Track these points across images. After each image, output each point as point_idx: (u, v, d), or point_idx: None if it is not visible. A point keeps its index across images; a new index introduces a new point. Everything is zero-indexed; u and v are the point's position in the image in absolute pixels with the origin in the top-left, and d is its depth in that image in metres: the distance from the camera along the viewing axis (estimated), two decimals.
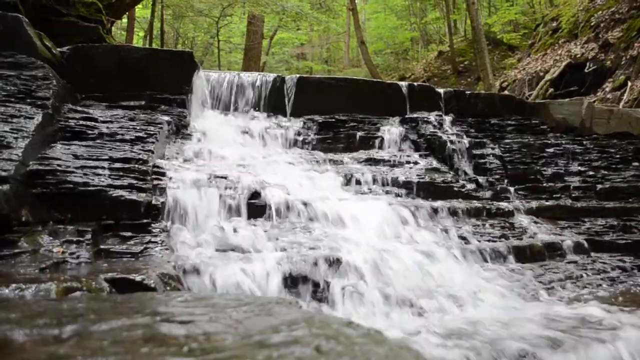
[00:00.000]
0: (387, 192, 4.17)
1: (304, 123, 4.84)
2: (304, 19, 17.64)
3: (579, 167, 5.06)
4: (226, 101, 4.82)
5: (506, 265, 3.70)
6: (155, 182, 3.17)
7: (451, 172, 4.69)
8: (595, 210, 4.62)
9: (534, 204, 4.56)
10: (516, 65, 15.17)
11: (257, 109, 4.89)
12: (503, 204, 4.44)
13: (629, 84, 9.63)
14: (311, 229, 3.34)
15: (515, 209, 4.42)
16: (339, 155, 4.62)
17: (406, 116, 5.22)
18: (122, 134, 3.42)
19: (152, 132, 3.57)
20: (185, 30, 18.99)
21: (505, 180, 4.79)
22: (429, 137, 4.96)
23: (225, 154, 4.04)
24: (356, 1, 21.63)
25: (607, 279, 3.82)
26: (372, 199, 3.91)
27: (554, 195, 4.73)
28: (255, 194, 3.43)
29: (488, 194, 4.58)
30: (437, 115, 5.24)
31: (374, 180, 4.26)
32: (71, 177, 2.82)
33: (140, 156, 3.21)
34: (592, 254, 4.15)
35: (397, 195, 4.19)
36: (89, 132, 3.34)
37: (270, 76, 5.05)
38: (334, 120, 4.92)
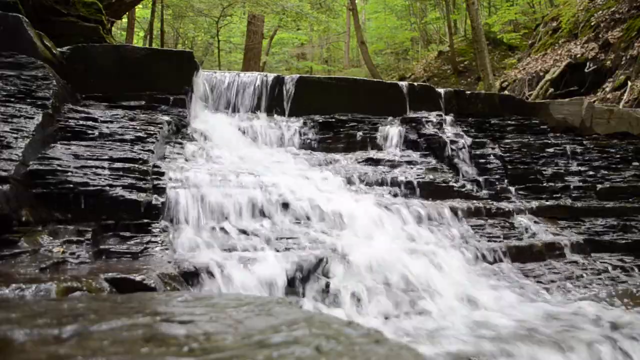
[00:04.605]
0: (387, 192, 4.17)
1: (304, 123, 4.84)
2: (304, 19, 17.65)
3: (579, 167, 5.06)
4: (226, 101, 4.82)
5: (506, 265, 3.70)
6: (156, 182, 3.17)
7: (451, 172, 4.69)
8: (595, 210, 4.62)
9: (534, 203, 4.56)
10: (516, 65, 15.18)
11: (257, 109, 4.89)
12: (503, 204, 4.44)
13: (629, 83, 9.64)
14: (311, 229, 3.34)
15: (516, 208, 4.42)
16: (339, 155, 4.62)
17: (406, 116, 5.22)
18: (122, 134, 3.42)
19: (152, 132, 3.57)
20: (185, 30, 19.01)
21: (505, 180, 4.79)
22: (429, 137, 4.96)
23: (225, 154, 4.03)
24: (356, 1, 21.63)
25: (608, 278, 3.82)
26: (372, 199, 3.91)
27: (554, 195, 4.73)
28: (255, 194, 3.43)
29: (488, 193, 4.58)
30: (437, 115, 5.24)
31: (374, 180, 4.26)
32: (71, 177, 2.82)
33: (141, 156, 3.21)
34: (592, 254, 4.15)
35: (397, 195, 4.19)
36: (89, 132, 3.34)
37: (270, 76, 5.04)
38: (334, 120, 4.92)
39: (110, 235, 2.77)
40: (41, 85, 3.32)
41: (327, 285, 2.88)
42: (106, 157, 3.10)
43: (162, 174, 3.28)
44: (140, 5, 14.60)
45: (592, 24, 12.33)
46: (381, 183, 4.27)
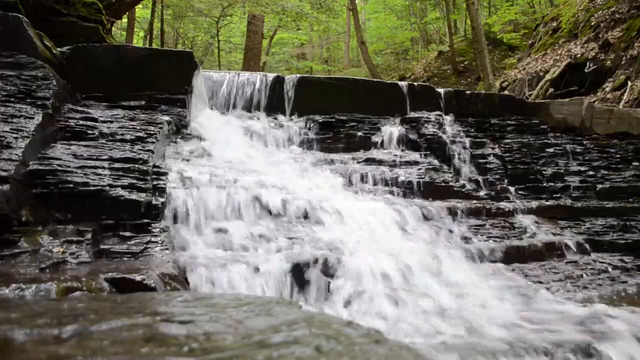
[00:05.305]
0: (387, 192, 4.17)
1: (304, 123, 4.84)
2: (304, 19, 17.65)
3: (579, 167, 5.06)
4: (226, 101, 4.82)
5: (506, 265, 3.70)
6: (156, 182, 3.17)
7: (451, 172, 4.69)
8: (595, 210, 4.62)
9: (534, 203, 4.56)
10: (516, 65, 15.18)
11: (257, 108, 4.89)
12: (503, 204, 4.44)
13: (629, 83, 9.64)
14: (311, 229, 3.34)
15: (515, 208, 4.42)
16: (339, 155, 4.62)
17: (406, 116, 5.22)
18: (122, 134, 3.42)
19: (152, 132, 3.56)
20: (185, 30, 19.01)
21: (505, 180, 4.79)
22: (429, 137, 4.96)
23: (225, 154, 4.03)
24: (356, 1, 21.63)
25: (607, 278, 3.82)
26: (372, 199, 3.91)
27: (554, 195, 4.73)
28: (255, 194, 3.43)
29: (488, 193, 4.58)
30: (437, 115, 5.24)
31: (374, 180, 4.26)
32: (71, 177, 2.82)
33: (141, 156, 3.21)
34: (592, 254, 4.15)
35: (397, 195, 4.19)
36: (89, 132, 3.34)
37: (270, 76, 5.04)
38: (334, 120, 4.91)
39: (110, 235, 2.77)
40: (41, 85, 3.32)
41: (327, 284, 2.88)
42: (106, 157, 3.10)
43: (162, 174, 3.28)
44: (140, 5, 14.60)
45: (592, 24, 12.33)
46: (381, 183, 4.26)
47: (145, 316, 1.10)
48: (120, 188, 2.90)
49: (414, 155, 4.79)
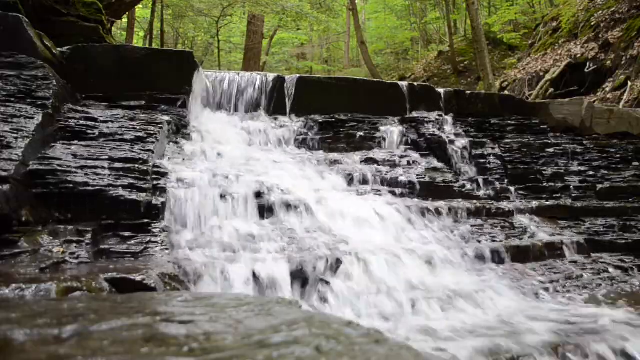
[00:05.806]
0: (387, 192, 4.17)
1: (304, 123, 4.85)
2: (304, 19, 17.66)
3: (579, 167, 5.06)
4: (226, 101, 4.82)
5: (506, 265, 3.70)
6: (156, 182, 3.17)
7: (451, 172, 4.69)
8: (595, 210, 4.62)
9: (534, 203, 4.56)
10: (516, 65, 15.18)
11: (257, 108, 4.89)
12: (503, 204, 4.44)
13: (629, 83, 9.64)
14: (311, 229, 3.34)
15: (515, 208, 4.42)
16: (339, 155, 4.62)
17: (406, 116, 5.22)
18: (122, 134, 3.42)
19: (152, 132, 3.56)
20: (185, 30, 19.01)
21: (506, 180, 4.79)
22: (429, 137, 4.96)
23: (226, 154, 4.04)
24: (356, 1, 21.63)
25: (607, 278, 3.82)
26: (372, 199, 3.91)
27: (554, 195, 4.73)
28: (256, 194, 3.43)
29: (488, 193, 4.59)
30: (437, 115, 5.25)
31: (374, 180, 4.26)
32: (71, 177, 2.82)
33: (141, 156, 3.21)
34: (592, 254, 4.14)
35: (397, 195, 4.19)
36: (89, 132, 3.34)
37: (270, 76, 5.04)
38: (334, 120, 4.92)
39: (110, 235, 2.77)
40: (41, 85, 3.32)
41: (327, 285, 2.88)
42: (106, 157, 3.10)
43: (162, 174, 3.28)
44: (140, 5, 14.61)
45: (592, 24, 12.33)
46: (381, 183, 4.26)
47: (145, 316, 1.10)
48: (120, 188, 2.90)
49: (414, 155, 4.79)
